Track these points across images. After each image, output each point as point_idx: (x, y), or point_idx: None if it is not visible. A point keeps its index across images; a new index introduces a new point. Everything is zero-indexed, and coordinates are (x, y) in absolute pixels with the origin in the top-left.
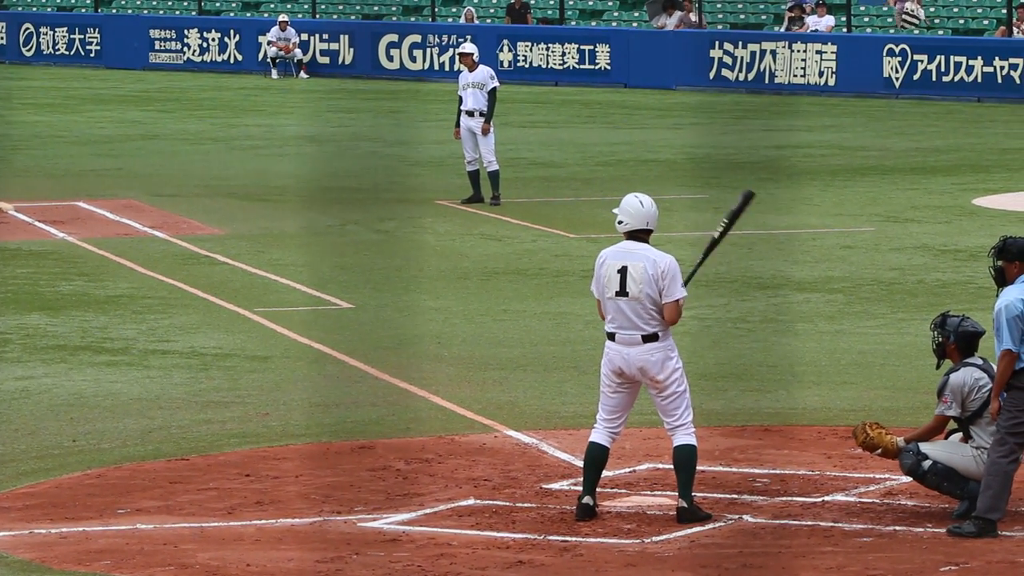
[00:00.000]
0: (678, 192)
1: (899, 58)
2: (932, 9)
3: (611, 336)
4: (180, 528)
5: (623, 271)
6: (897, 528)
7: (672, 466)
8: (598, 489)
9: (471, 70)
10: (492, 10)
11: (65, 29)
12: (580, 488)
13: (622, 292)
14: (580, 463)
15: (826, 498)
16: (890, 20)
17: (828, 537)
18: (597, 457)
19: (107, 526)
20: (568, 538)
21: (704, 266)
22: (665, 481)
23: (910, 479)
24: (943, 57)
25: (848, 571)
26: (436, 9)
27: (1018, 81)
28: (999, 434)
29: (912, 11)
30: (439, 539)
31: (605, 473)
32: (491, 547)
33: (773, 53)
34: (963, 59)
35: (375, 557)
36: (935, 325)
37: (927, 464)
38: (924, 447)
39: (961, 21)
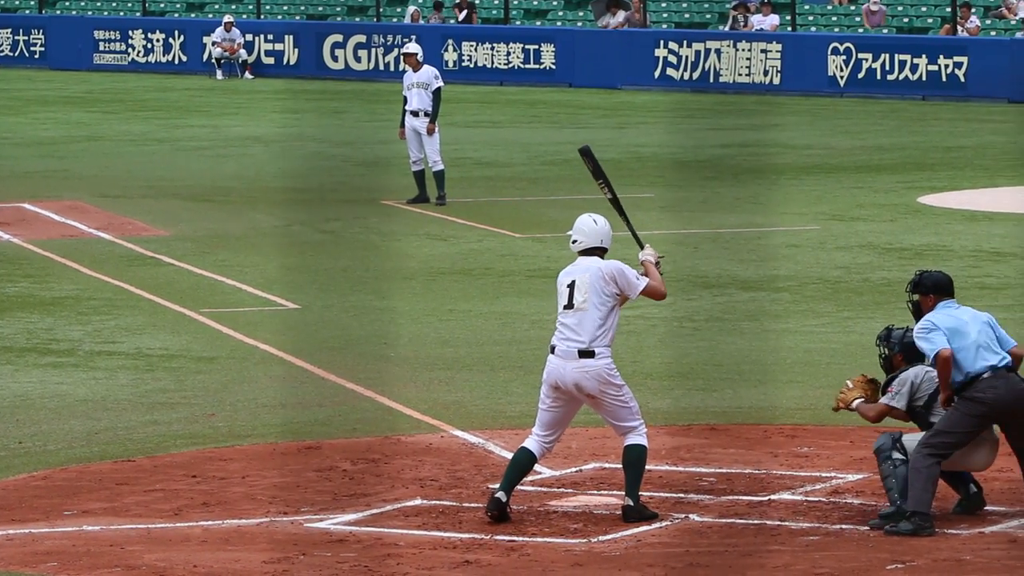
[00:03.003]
0: (623, 191)
1: (844, 57)
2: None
3: (552, 349)
4: (127, 529)
5: (572, 285)
6: (844, 527)
7: (620, 465)
8: (544, 489)
9: (415, 70)
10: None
11: (9, 30)
12: (527, 488)
13: (568, 305)
14: None
15: (772, 497)
16: (834, 19)
17: (775, 536)
18: (522, 461)
19: (53, 528)
20: (515, 538)
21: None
22: (612, 480)
23: (856, 478)
24: (888, 55)
25: (795, 570)
26: (381, 9)
27: (963, 79)
28: (925, 438)
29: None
30: (386, 539)
31: (552, 473)
32: (438, 547)
33: (718, 52)
34: (908, 57)
35: (322, 557)
36: (880, 339)
37: (899, 458)
38: (908, 441)
39: (906, 19)
